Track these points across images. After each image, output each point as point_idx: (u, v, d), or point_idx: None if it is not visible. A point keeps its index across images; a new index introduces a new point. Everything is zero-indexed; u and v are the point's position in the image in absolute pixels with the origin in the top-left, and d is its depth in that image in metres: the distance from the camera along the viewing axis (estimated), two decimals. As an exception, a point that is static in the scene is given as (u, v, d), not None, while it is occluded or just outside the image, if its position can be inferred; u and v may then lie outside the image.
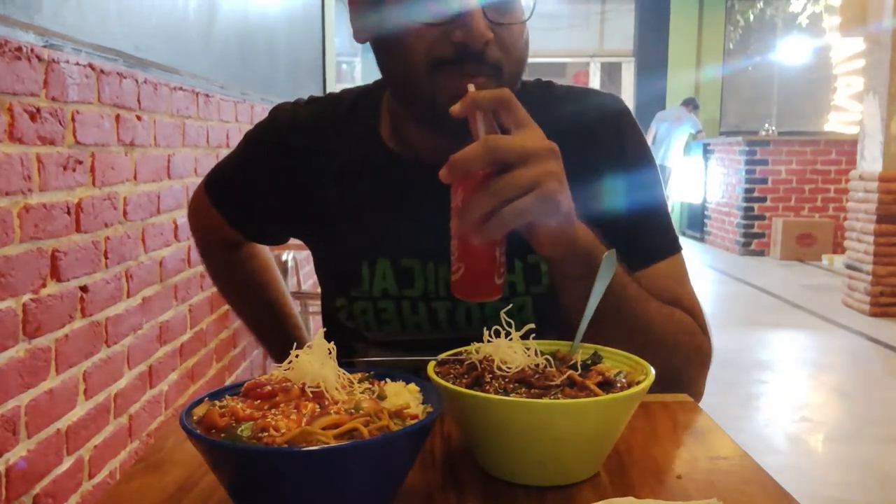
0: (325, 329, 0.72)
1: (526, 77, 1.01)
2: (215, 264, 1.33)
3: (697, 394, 1.00)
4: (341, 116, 1.08)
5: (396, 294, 1.04)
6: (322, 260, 1.14)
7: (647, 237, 1.02)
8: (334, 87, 5.39)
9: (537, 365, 0.75)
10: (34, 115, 1.63)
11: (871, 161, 5.45)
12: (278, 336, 1.30)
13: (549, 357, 0.76)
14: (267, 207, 1.14)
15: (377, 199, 1.04)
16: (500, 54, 0.90)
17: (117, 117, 2.03)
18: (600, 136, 1.04)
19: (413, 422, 0.63)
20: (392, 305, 1.04)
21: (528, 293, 1.02)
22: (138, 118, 2.16)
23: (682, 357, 0.97)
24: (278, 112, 1.13)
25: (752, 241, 8.48)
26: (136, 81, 2.15)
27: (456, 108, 0.80)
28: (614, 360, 0.79)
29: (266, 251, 1.33)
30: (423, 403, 0.67)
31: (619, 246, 0.97)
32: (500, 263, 0.83)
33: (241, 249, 1.29)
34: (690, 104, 9.77)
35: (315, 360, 0.66)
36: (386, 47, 0.95)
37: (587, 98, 1.09)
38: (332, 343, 0.68)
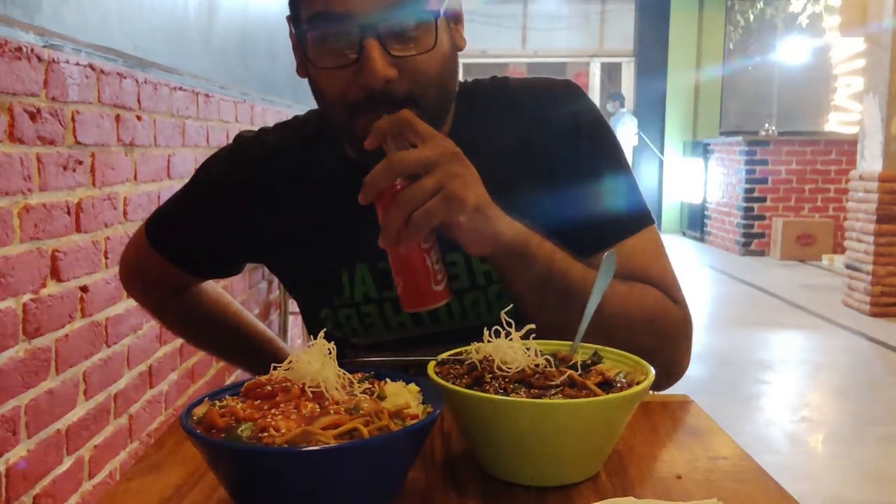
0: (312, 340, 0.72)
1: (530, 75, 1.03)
2: (166, 315, 1.30)
3: (680, 367, 1.00)
4: (309, 138, 1.10)
5: (377, 297, 1.04)
6: (298, 276, 1.13)
7: (613, 213, 1.02)
8: (334, 87, 5.38)
9: (537, 365, 0.75)
10: (34, 115, 1.63)
11: (871, 161, 5.45)
12: (254, 357, 1.28)
13: (549, 357, 0.76)
14: (224, 237, 1.13)
15: (348, 209, 1.01)
16: (409, 86, 0.91)
17: (117, 117, 2.03)
18: (553, 120, 1.05)
19: (413, 422, 0.63)
20: (374, 309, 1.04)
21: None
22: (138, 118, 2.16)
23: (650, 333, 0.96)
24: (242, 140, 1.13)
25: (752, 241, 8.48)
26: (136, 81, 2.15)
27: (368, 143, 0.86)
28: (614, 360, 0.79)
29: (209, 283, 1.29)
30: (423, 403, 0.67)
31: (586, 225, 1.00)
32: (435, 270, 0.87)
33: (188, 292, 1.24)
34: (617, 100, 9.75)
35: (315, 360, 0.66)
36: (312, 88, 0.98)
37: (539, 86, 1.09)
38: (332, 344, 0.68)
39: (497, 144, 1.04)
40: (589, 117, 1.06)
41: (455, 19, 1.00)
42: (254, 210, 1.09)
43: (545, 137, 1.04)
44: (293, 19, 0.96)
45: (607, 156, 1.06)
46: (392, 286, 1.02)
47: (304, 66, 0.98)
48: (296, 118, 1.16)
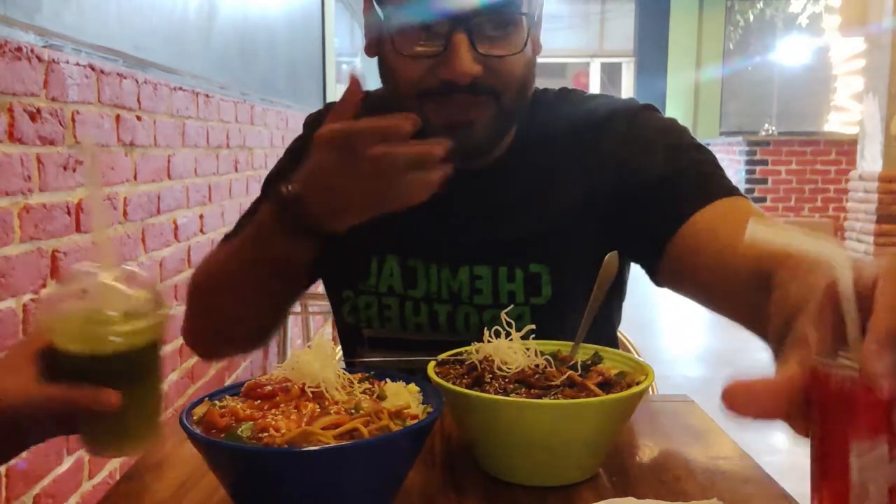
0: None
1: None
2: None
3: None
4: (362, 113, 1.09)
5: (401, 292, 1.04)
6: (330, 250, 1.12)
7: (698, 179, 0.94)
8: (334, 87, 5.39)
9: (537, 365, 0.75)
10: (34, 115, 1.63)
11: (871, 161, 5.45)
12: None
13: (549, 357, 0.76)
14: None
15: None
16: (494, 81, 0.90)
17: (117, 117, 2.03)
18: (614, 125, 1.01)
19: (413, 422, 0.63)
20: (396, 303, 1.04)
21: (527, 303, 1.01)
22: (138, 118, 2.16)
23: None
24: (308, 121, 1.16)
25: (752, 241, 8.47)
26: (136, 81, 2.15)
27: None
28: (614, 361, 0.79)
29: None
30: (423, 403, 0.67)
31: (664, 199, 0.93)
32: None
33: None
34: None
35: (315, 361, 0.66)
36: (382, 70, 0.96)
37: (601, 97, 1.08)
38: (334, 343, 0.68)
39: (563, 157, 1.01)
40: (652, 120, 1.02)
41: (538, 24, 0.98)
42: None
43: (616, 154, 0.99)
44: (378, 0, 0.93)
45: (681, 145, 1.00)
46: (416, 285, 1.03)
47: (377, 47, 0.95)
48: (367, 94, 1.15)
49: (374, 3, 0.94)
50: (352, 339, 1.09)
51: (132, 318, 0.63)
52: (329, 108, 1.15)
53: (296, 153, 1.16)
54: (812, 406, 0.48)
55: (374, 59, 0.99)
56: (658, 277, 0.98)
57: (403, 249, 1.03)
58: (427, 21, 0.88)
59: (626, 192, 0.97)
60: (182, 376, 2.52)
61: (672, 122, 1.04)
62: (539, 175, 1.01)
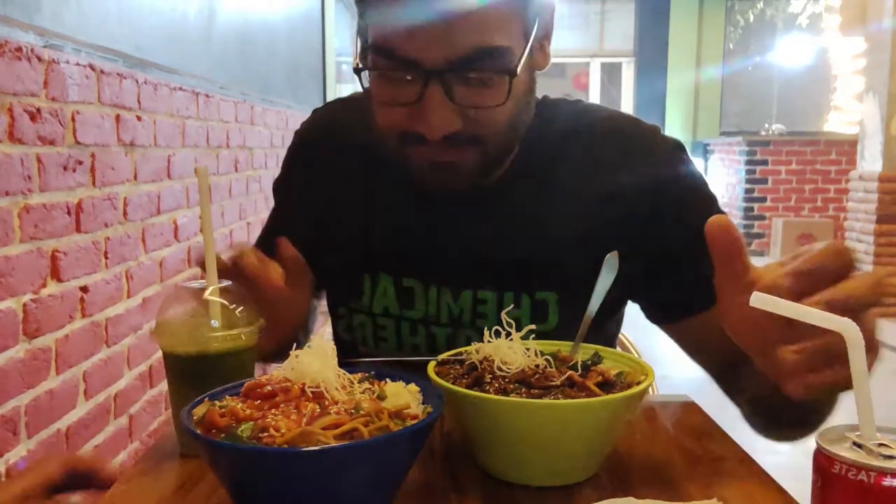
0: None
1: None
2: None
3: None
4: (362, 121, 1.03)
5: (397, 313, 1.01)
6: (326, 264, 1.11)
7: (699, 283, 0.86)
8: (334, 87, 5.39)
9: (537, 365, 0.75)
10: (34, 115, 1.63)
11: (871, 161, 5.45)
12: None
13: (549, 357, 0.76)
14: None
15: (392, 213, 1.00)
16: (475, 131, 0.84)
17: (117, 117, 2.03)
18: (657, 183, 0.96)
19: (413, 422, 0.63)
20: (392, 324, 1.01)
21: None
22: (138, 118, 2.16)
23: None
24: (299, 130, 1.14)
25: (752, 241, 8.47)
26: (136, 82, 2.15)
27: None
28: (614, 361, 0.79)
29: None
30: (423, 403, 0.67)
31: (672, 293, 0.96)
32: None
33: None
34: None
35: (315, 360, 0.66)
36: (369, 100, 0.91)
37: (620, 116, 1.02)
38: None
39: (577, 180, 0.96)
40: (685, 189, 0.97)
41: (543, 38, 0.90)
42: (320, 178, 1.07)
43: (640, 193, 0.95)
44: (362, 42, 0.88)
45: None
46: (413, 306, 0.99)
47: (360, 77, 0.90)
48: (354, 97, 1.11)
49: (357, 37, 0.89)
50: (349, 355, 1.06)
51: (232, 327, 0.76)
52: (317, 112, 1.14)
53: (288, 165, 1.15)
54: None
55: None
56: (649, 316, 1.03)
57: (398, 269, 1.00)
58: (400, 71, 0.82)
59: (644, 248, 0.94)
60: (182, 376, 2.52)
61: (703, 186, 0.98)
62: (548, 196, 0.96)
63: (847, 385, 0.61)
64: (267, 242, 1.10)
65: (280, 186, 1.16)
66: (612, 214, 0.95)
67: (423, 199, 0.98)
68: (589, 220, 0.95)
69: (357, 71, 0.87)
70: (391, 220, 1.02)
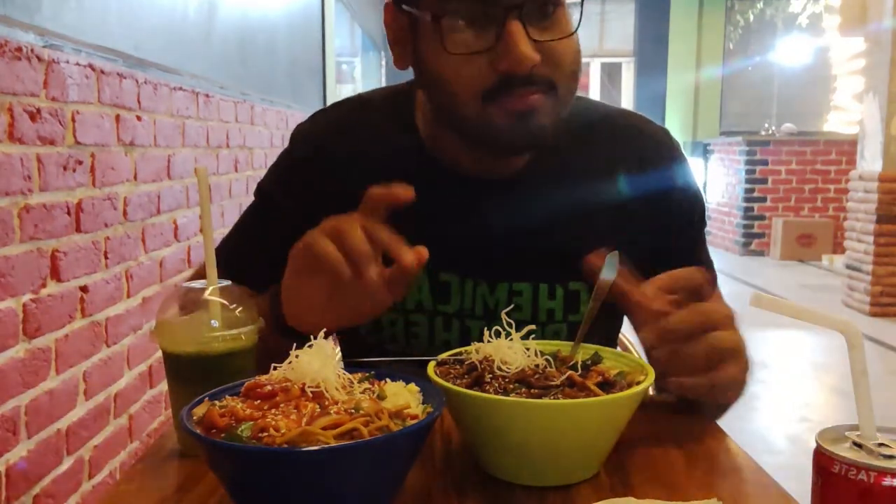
0: (340, 350, 0.71)
1: None
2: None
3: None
4: (375, 119, 1.05)
5: (431, 309, 1.01)
6: None
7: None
8: (334, 87, 5.38)
9: (537, 365, 0.75)
10: (34, 115, 1.63)
11: (870, 161, 5.45)
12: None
13: (549, 357, 0.76)
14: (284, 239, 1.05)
15: (415, 206, 0.97)
16: (550, 71, 0.87)
17: (117, 117, 2.03)
18: (650, 174, 1.03)
19: (413, 422, 0.63)
20: (425, 320, 1.01)
21: (565, 320, 1.01)
22: (138, 118, 2.16)
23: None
24: (295, 133, 1.11)
25: (752, 241, 8.48)
26: (136, 81, 2.15)
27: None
28: (614, 360, 0.79)
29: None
30: (423, 403, 0.67)
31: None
32: None
33: None
34: None
35: (315, 360, 0.66)
36: (429, 79, 0.91)
37: (634, 115, 1.09)
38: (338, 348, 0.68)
39: (582, 168, 1.02)
40: (688, 192, 1.06)
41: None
42: (317, 188, 1.04)
43: (656, 189, 1.02)
44: (411, 3, 0.89)
45: (696, 230, 1.07)
46: (449, 300, 1.00)
47: (415, 56, 0.91)
48: (350, 98, 1.11)
49: (407, 9, 0.89)
50: (374, 355, 1.03)
51: (232, 327, 0.76)
52: (316, 116, 1.11)
53: (281, 169, 1.11)
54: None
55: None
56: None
57: (433, 264, 0.96)
58: (476, 14, 0.84)
59: (653, 242, 1.01)
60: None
61: (699, 192, 1.09)
62: (574, 187, 0.98)
63: (717, 396, 0.79)
64: (244, 242, 1.09)
65: (276, 188, 1.11)
66: (635, 207, 1.01)
67: (456, 191, 0.98)
68: (614, 212, 1.00)
69: (436, 18, 0.86)
70: (421, 213, 1.01)
